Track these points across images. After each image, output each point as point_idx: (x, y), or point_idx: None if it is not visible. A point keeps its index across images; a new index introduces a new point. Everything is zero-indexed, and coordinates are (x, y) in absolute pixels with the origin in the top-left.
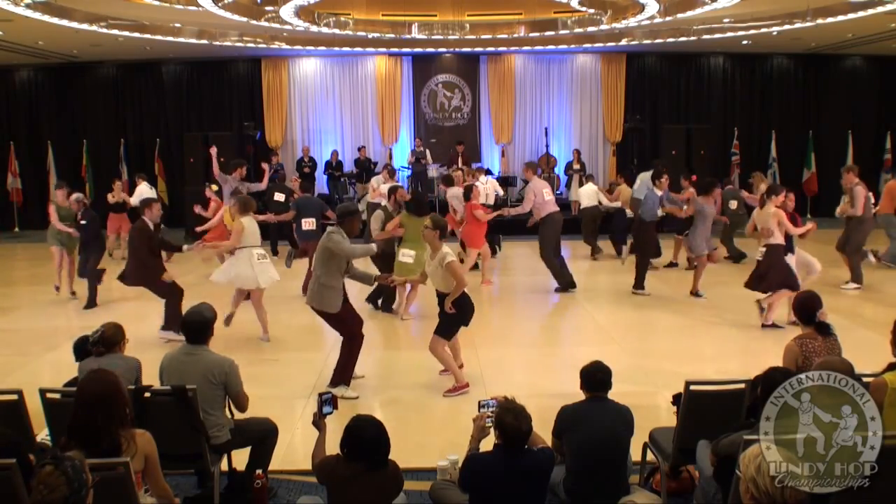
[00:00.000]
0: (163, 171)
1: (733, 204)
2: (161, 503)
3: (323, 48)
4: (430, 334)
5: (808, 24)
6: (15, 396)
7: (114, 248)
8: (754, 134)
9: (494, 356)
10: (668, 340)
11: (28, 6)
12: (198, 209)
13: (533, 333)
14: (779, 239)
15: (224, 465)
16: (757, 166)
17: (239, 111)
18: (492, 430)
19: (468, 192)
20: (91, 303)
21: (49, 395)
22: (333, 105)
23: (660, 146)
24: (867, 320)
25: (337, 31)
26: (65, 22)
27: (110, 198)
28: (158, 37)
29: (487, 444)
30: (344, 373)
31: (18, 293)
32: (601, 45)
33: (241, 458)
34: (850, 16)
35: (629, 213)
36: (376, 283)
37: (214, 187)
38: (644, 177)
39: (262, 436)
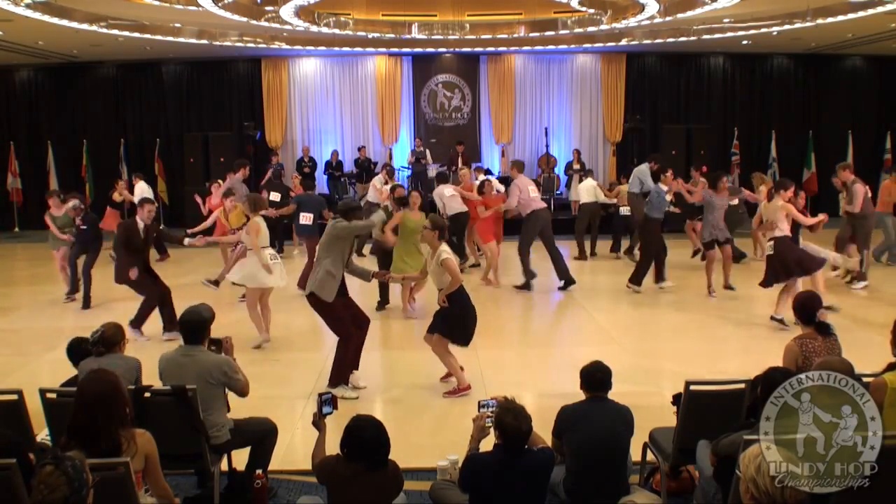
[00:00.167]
0: (163, 171)
1: (734, 202)
2: (161, 503)
3: (323, 48)
4: None
5: (808, 24)
6: (15, 396)
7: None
8: (754, 134)
9: (494, 356)
10: (668, 340)
11: (28, 6)
12: (197, 199)
13: (533, 333)
14: (785, 231)
15: (224, 465)
16: (757, 166)
17: (239, 111)
18: (492, 430)
19: (481, 188)
20: (86, 303)
21: (49, 395)
22: (333, 105)
23: (660, 146)
24: (867, 320)
25: (337, 31)
26: (65, 22)
27: (116, 197)
28: (158, 37)
29: (487, 444)
30: (340, 371)
31: (18, 293)
32: (601, 45)
33: (241, 458)
34: (850, 16)
35: (623, 210)
36: (374, 280)
37: (221, 182)
38: (638, 171)
39: (262, 436)
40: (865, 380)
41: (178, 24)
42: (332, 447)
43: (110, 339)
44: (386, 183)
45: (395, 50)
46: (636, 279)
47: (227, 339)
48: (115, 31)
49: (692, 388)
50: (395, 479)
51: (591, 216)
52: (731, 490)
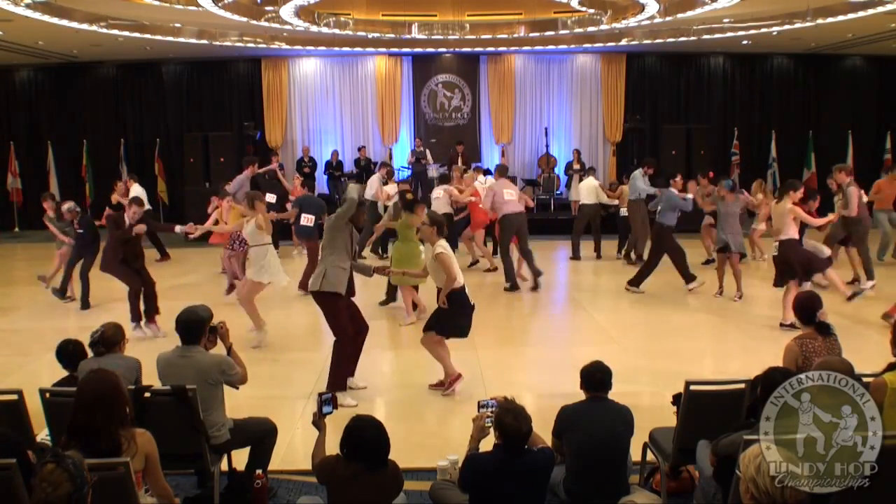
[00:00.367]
0: (163, 172)
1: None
2: (161, 503)
3: (323, 48)
4: None
5: (808, 24)
6: (15, 396)
7: None
8: (754, 134)
9: (494, 356)
10: (668, 340)
11: (28, 6)
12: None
13: (533, 333)
14: (792, 234)
15: (224, 465)
16: (757, 166)
17: (239, 111)
18: (492, 430)
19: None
20: (85, 304)
21: (49, 395)
22: (333, 105)
23: (660, 146)
24: (867, 320)
25: (337, 31)
26: (65, 22)
27: (114, 198)
28: (158, 37)
29: (487, 444)
30: (336, 377)
31: (18, 293)
32: (601, 45)
33: (240, 458)
34: (850, 16)
35: (624, 211)
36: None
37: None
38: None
39: (262, 435)
40: (865, 380)
41: (178, 24)
42: (332, 447)
43: (110, 339)
44: (386, 183)
45: (395, 50)
46: (636, 282)
47: (221, 324)
48: (115, 31)
49: (692, 388)
50: (395, 479)
51: (590, 217)
52: (731, 490)
